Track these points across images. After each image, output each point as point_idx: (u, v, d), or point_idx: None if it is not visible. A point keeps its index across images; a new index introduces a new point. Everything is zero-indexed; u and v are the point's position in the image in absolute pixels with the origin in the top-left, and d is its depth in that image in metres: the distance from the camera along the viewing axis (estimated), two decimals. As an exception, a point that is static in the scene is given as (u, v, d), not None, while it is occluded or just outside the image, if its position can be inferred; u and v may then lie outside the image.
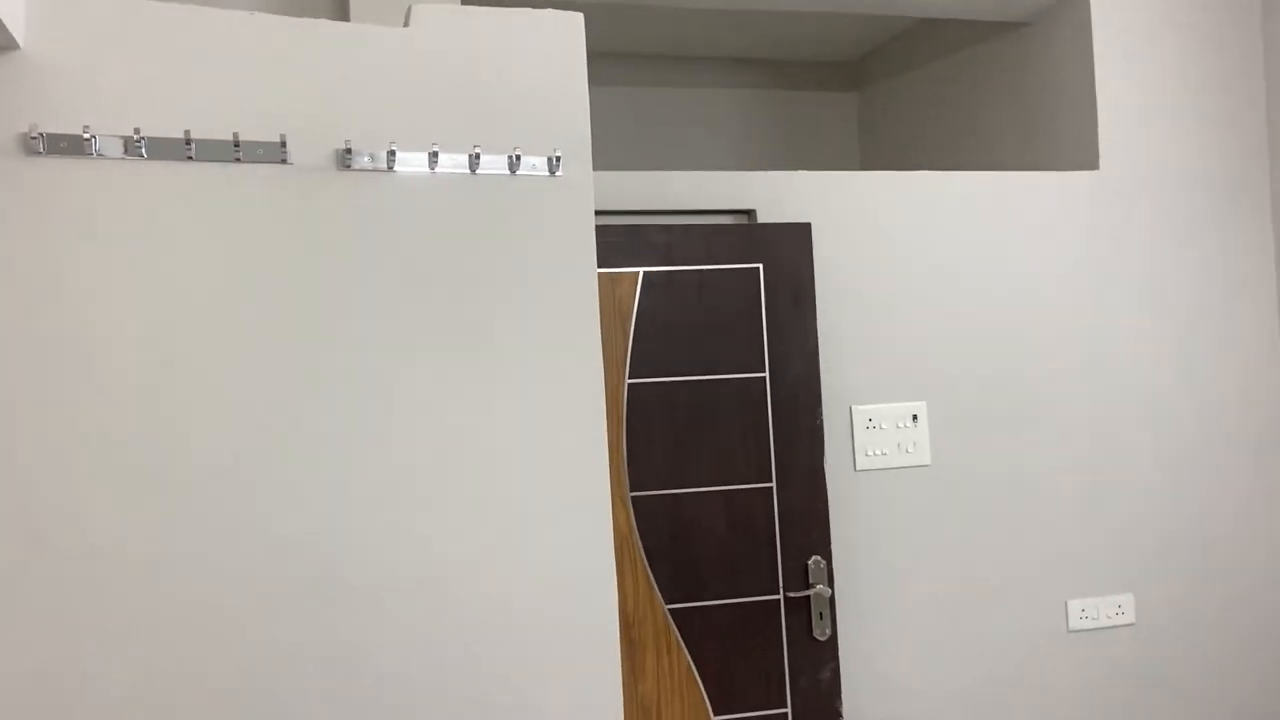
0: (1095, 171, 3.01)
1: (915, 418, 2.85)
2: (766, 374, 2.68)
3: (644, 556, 2.56)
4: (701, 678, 2.56)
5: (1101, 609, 2.92)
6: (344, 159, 1.79)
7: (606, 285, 2.59)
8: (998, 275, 2.93)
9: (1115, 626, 2.93)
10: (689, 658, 2.56)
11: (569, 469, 1.93)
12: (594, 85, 4.06)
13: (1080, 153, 3.05)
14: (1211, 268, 3.09)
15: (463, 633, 1.84)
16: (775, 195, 2.82)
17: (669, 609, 2.56)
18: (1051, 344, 2.95)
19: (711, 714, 2.56)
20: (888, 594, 2.79)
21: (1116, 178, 3.01)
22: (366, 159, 1.81)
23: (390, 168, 1.82)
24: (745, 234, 2.74)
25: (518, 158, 1.89)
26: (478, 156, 1.87)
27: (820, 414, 2.70)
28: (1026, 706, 2.87)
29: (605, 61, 4.06)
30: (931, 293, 2.88)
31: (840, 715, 2.62)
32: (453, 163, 1.87)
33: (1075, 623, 2.90)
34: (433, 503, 1.84)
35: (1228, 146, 3.13)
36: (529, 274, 1.92)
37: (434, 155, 1.83)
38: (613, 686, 1.92)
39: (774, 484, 2.66)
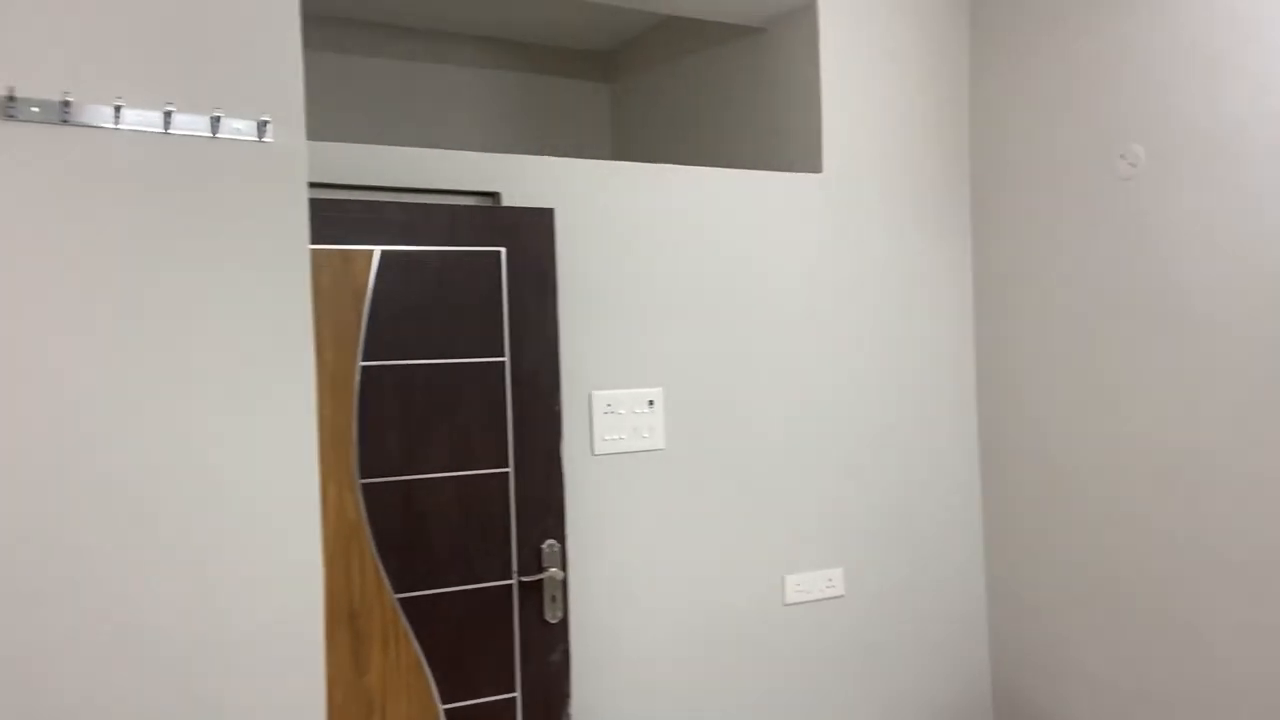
0: (819, 174, 3.21)
1: (651, 403, 2.93)
2: (506, 358, 2.67)
3: (374, 545, 2.48)
4: (431, 667, 2.52)
5: (814, 583, 3.14)
6: (6, 108, 1.59)
7: (338, 263, 2.48)
8: (730, 268, 3.06)
9: (827, 599, 3.16)
10: (418, 647, 2.51)
11: (272, 458, 1.83)
12: (339, 53, 3.88)
13: (807, 155, 3.25)
14: (917, 266, 3.39)
15: (152, 633, 1.70)
16: (520, 179, 2.81)
17: (399, 598, 2.50)
18: (776, 334, 3.13)
19: (439, 703, 2.53)
20: (621, 575, 2.86)
21: (837, 180, 3.24)
22: (35, 109, 1.62)
23: (64, 120, 1.64)
24: (488, 216, 2.70)
25: (218, 119, 1.76)
26: (170, 115, 1.72)
27: (559, 399, 2.72)
28: (749, 678, 3.04)
29: (355, 30, 3.89)
30: (670, 282, 2.98)
31: (569, 695, 2.67)
32: (141, 119, 1.71)
33: (791, 596, 3.10)
34: (118, 492, 1.69)
35: (934, 157, 3.44)
36: (229, 248, 1.80)
37: (118, 109, 1.66)
38: (314, 685, 1.85)
39: (511, 469, 2.65)
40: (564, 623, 2.68)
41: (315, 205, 2.00)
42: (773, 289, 3.13)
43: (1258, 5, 2.64)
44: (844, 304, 3.24)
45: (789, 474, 3.12)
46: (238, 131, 1.79)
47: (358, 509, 2.47)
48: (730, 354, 3.06)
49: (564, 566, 2.69)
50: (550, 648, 2.66)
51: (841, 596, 3.18)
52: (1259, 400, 2.66)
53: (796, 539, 3.13)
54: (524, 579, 2.65)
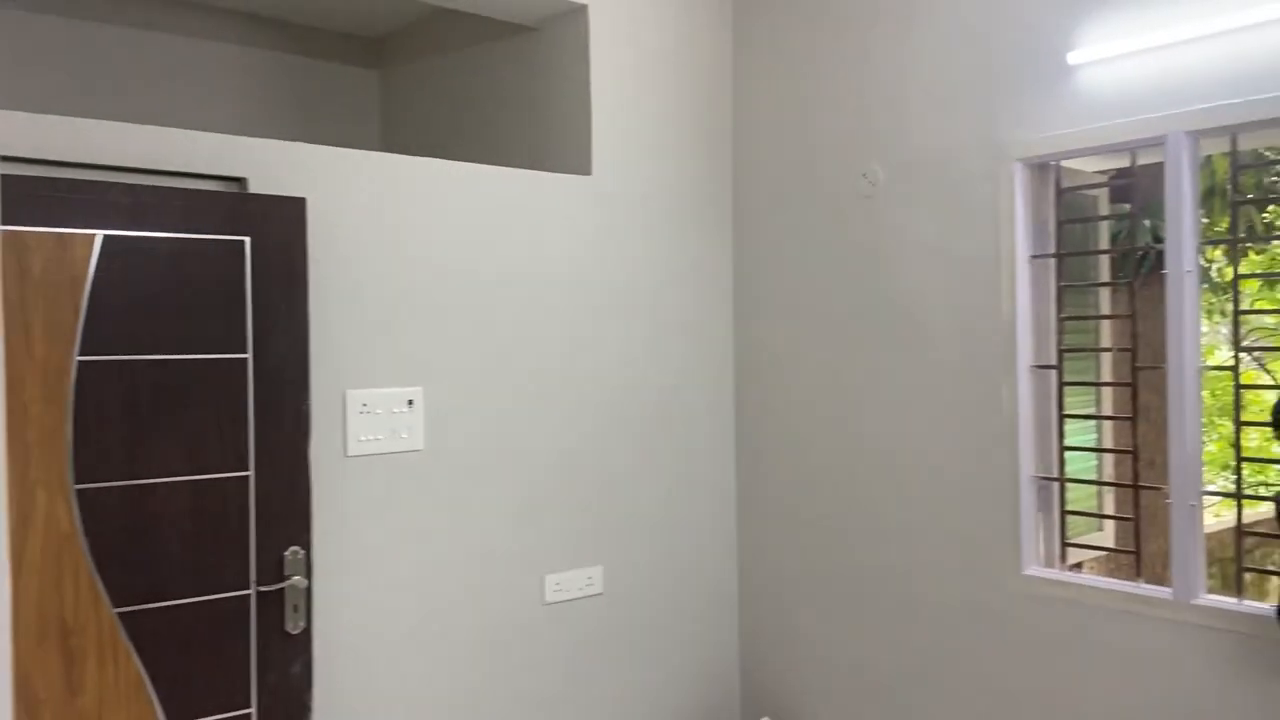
0: (589, 176, 3.24)
1: (411, 403, 2.86)
2: (249, 355, 2.52)
3: (89, 556, 2.28)
4: (155, 685, 2.34)
5: (574, 582, 3.17)
6: None
7: (51, 247, 2.26)
8: (497, 267, 3.04)
9: (586, 597, 3.20)
10: (140, 665, 2.32)
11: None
12: (65, 18, 3.53)
13: (576, 157, 3.27)
14: (681, 271, 3.49)
15: None
16: (271, 165, 2.66)
17: (119, 613, 2.31)
18: (542, 334, 3.13)
19: (162, 723, 2.36)
20: (372, 582, 2.77)
21: (606, 183, 3.28)
22: None
23: None
24: (232, 203, 2.55)
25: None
26: None
27: (308, 398, 2.60)
28: (507, 679, 3.02)
29: (89, -9, 3.56)
30: (433, 280, 2.91)
31: (309, 709, 2.55)
32: None
33: (551, 595, 3.11)
34: None
35: (699, 164, 3.55)
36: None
37: None
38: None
39: (252, 472, 2.51)
40: (307, 633, 2.56)
41: (14, 181, 1.81)
42: (539, 290, 3.13)
43: (986, 40, 2.89)
44: (610, 306, 3.29)
45: (551, 474, 3.13)
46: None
47: (71, 517, 2.26)
48: (494, 354, 3.03)
49: (309, 574, 2.57)
50: (291, 660, 2.54)
51: (600, 594, 3.23)
52: (965, 401, 2.92)
53: (557, 539, 3.14)
54: (263, 588, 2.51)
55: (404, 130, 4.16)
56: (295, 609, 2.54)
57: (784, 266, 3.48)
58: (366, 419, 2.78)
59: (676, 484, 3.45)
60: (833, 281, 3.31)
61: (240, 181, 2.64)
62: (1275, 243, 5.78)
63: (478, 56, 3.78)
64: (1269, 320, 5.48)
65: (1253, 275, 5.67)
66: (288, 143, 2.71)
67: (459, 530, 2.94)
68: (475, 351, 2.99)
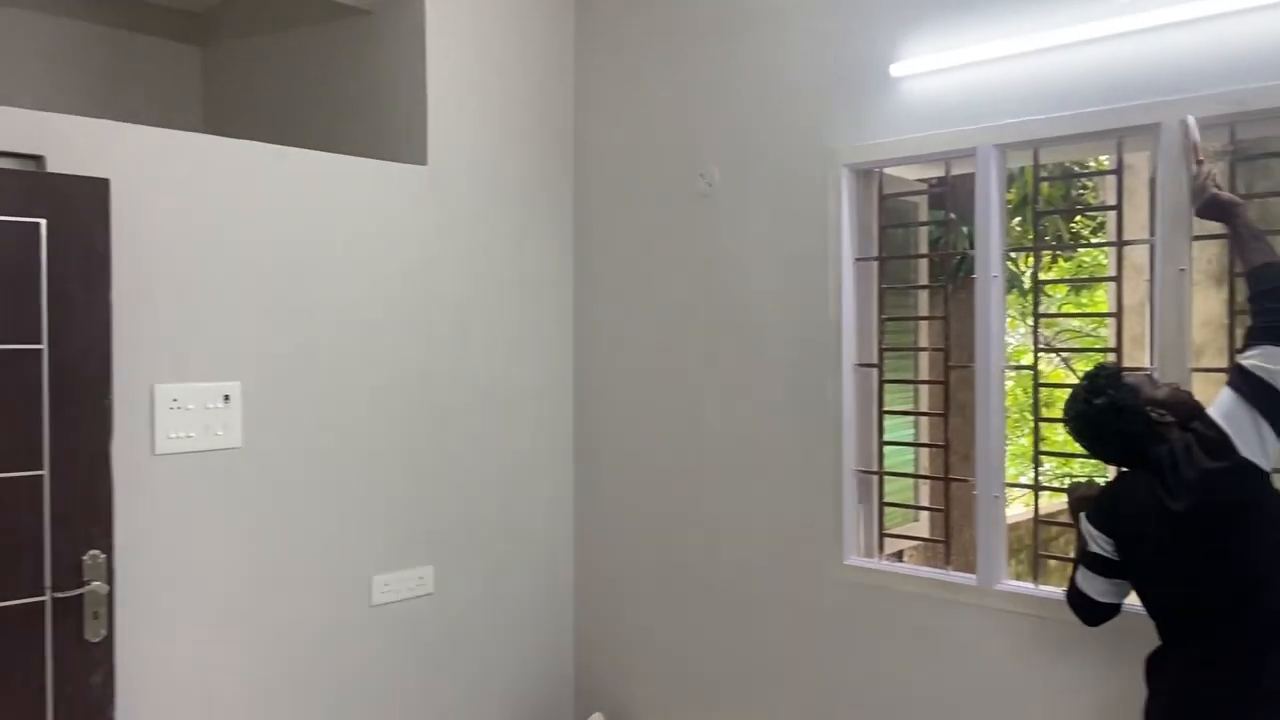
0: (424, 166, 3.17)
1: (227, 398, 2.72)
2: (44, 346, 2.34)
3: None
4: (-72, 704, 2.15)
5: (404, 582, 3.09)
6: None
7: None
8: (322, 258, 2.93)
9: (416, 598, 3.13)
10: (-91, 683, 2.13)
11: None
12: None
13: (411, 146, 3.19)
14: (520, 267, 3.45)
15: None
16: (73, 143, 2.48)
17: (-115, 627, 2.10)
18: (371, 328, 3.03)
19: (-65, 746, 2.16)
20: (183, 585, 2.62)
21: (442, 174, 3.21)
22: None
23: None
24: (27, 182, 2.36)
25: None
26: None
27: (110, 393, 2.43)
28: (331, 683, 2.92)
29: None
30: (253, 270, 2.78)
31: (110, 722, 2.40)
32: None
33: (378, 597, 3.03)
34: None
35: (540, 158, 3.52)
36: None
37: None
38: None
39: (46, 471, 2.33)
40: (108, 641, 2.40)
41: None
42: (369, 282, 3.03)
43: (817, 49, 2.99)
44: (444, 300, 3.22)
45: (378, 473, 3.04)
46: None
47: None
48: (319, 349, 2.92)
49: (110, 579, 2.41)
50: (90, 670, 2.37)
51: (431, 594, 3.16)
52: (794, 397, 3.01)
53: (386, 539, 3.06)
54: (60, 595, 2.34)
55: (229, 112, 3.96)
56: (95, 616, 2.37)
57: (624, 263, 3.50)
58: (178, 415, 2.63)
59: (512, 482, 3.42)
60: (671, 279, 3.35)
61: (38, 159, 2.45)
62: (1081, 251, 6.23)
63: (309, 37, 3.63)
64: (1075, 323, 5.91)
65: (1055, 280, 6.10)
66: (91, 119, 2.54)
67: (279, 531, 2.82)
68: (299, 346, 2.87)
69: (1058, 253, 6.31)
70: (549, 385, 3.56)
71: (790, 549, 3.04)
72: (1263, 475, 1.91)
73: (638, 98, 3.44)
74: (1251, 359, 1.94)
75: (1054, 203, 5.57)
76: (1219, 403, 1.96)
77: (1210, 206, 2.19)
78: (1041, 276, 5.90)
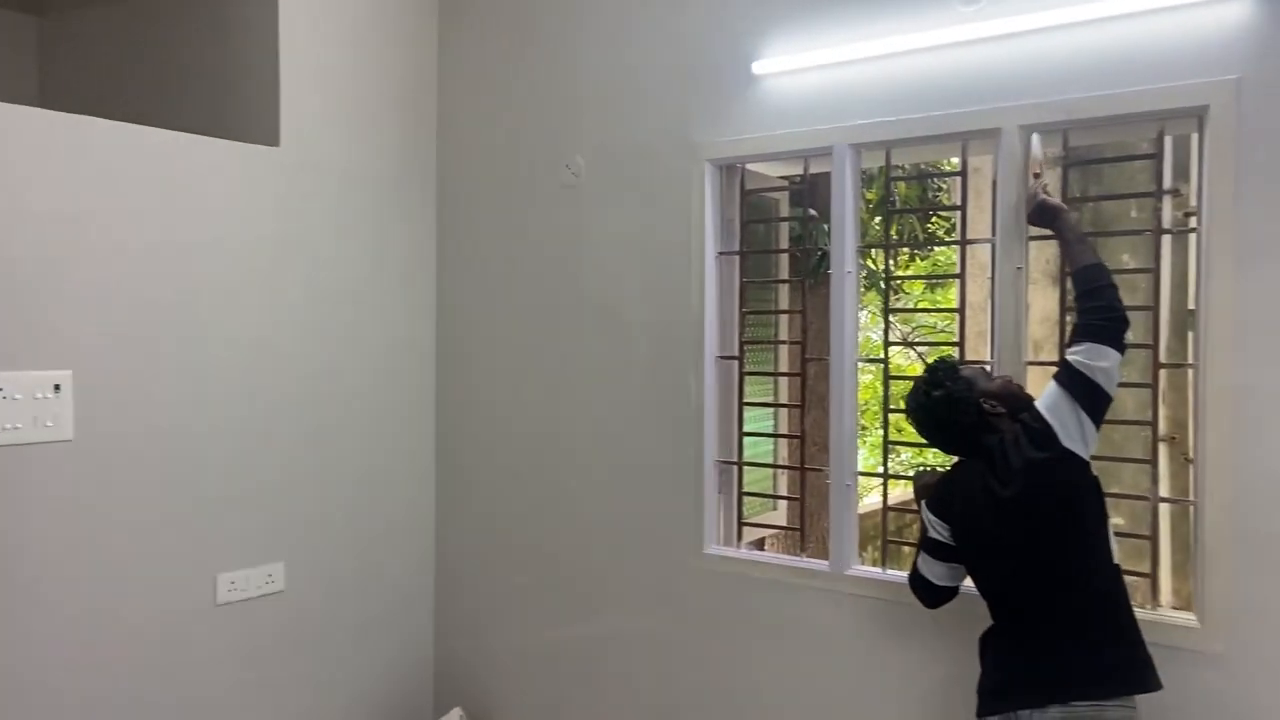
0: (276, 148, 3.05)
1: (58, 388, 2.56)
2: None
3: None
4: None
5: (252, 580, 2.98)
6: None
7: None
8: (165, 241, 2.78)
9: (265, 595, 3.01)
10: None
11: None
12: None
13: (263, 127, 3.07)
14: (380, 255, 3.37)
15: None
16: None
17: None
18: (218, 317, 2.90)
19: None
20: (13, 585, 2.46)
21: (296, 157, 3.09)
22: None
23: None
24: None
25: None
26: None
27: (-79, 381, 2.26)
28: (170, 687, 2.78)
29: None
30: (87, 253, 2.62)
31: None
32: None
33: (224, 595, 2.91)
34: None
35: (401, 144, 3.44)
36: None
37: None
38: None
39: None
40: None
41: None
42: (214, 268, 2.90)
43: (682, 43, 3.01)
44: (298, 289, 3.11)
45: (224, 467, 2.91)
46: None
47: None
48: (161, 337, 2.77)
49: (-80, 582, 2.24)
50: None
51: (282, 592, 3.05)
52: (657, 389, 3.04)
53: (232, 535, 2.93)
54: None
55: (67, 85, 3.72)
56: (-100, 624, 2.20)
57: (488, 253, 3.45)
58: (4, 405, 2.46)
59: (369, 476, 3.33)
60: (536, 270, 3.33)
61: None
62: (938, 250, 6.51)
63: (155, 9, 3.44)
64: (930, 318, 6.18)
65: (906, 277, 6.35)
66: (-99, 85, 2.34)
67: (115, 528, 2.67)
68: (138, 334, 2.72)
69: (915, 251, 6.58)
70: (409, 378, 3.49)
71: (652, 539, 3.07)
72: (1083, 464, 2.03)
73: (504, 86, 3.40)
74: (1075, 355, 2.06)
75: (909, 202, 5.80)
76: (1046, 396, 2.08)
77: (1038, 211, 2.33)
78: (900, 274, 6.18)
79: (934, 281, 6.43)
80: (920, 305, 6.46)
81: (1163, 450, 2.77)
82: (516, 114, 3.37)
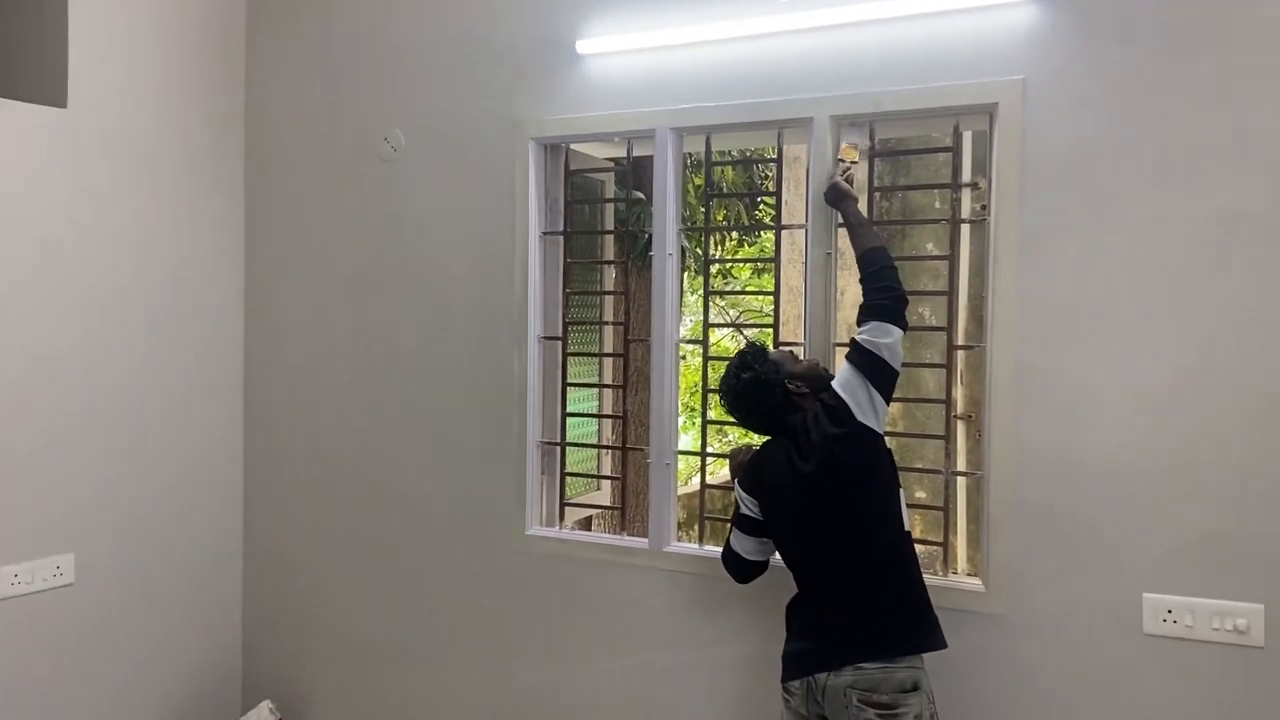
0: (63, 110, 2.82)
1: None
2: None
3: None
4: None
5: (38, 572, 2.77)
6: None
7: None
8: (-68, 205, 2.54)
9: (54, 588, 2.81)
10: None
11: None
12: None
13: (49, 86, 2.83)
14: (181, 230, 3.18)
15: None
16: None
17: None
18: (-3, 289, 2.68)
19: None
20: None
21: (86, 121, 2.87)
22: None
23: None
24: None
25: None
26: None
27: None
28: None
29: None
30: None
31: None
32: None
33: (6, 589, 2.68)
34: None
35: (206, 114, 3.25)
36: None
37: None
38: None
39: None
40: None
41: None
42: (-6, 235, 2.67)
43: (505, 18, 2.96)
44: (90, 262, 2.90)
45: (4, 455, 2.69)
46: None
47: None
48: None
49: None
50: None
51: (72, 584, 2.85)
52: (480, 370, 3.00)
53: (16, 525, 2.72)
54: None
55: None
56: None
57: (302, 228, 3.31)
58: None
59: (169, 459, 3.15)
60: (353, 246, 3.22)
61: None
62: (765, 235, 6.70)
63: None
64: (757, 303, 6.38)
65: (725, 260, 6.52)
66: None
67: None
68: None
69: (743, 236, 6.76)
70: (213, 356, 3.31)
71: (474, 521, 3.04)
72: (876, 437, 2.14)
73: (318, 56, 3.26)
74: (862, 334, 2.17)
75: (736, 188, 5.96)
76: (840, 375, 2.18)
77: (830, 194, 2.44)
78: (723, 258, 6.34)
79: (762, 266, 6.63)
80: (748, 289, 6.64)
81: (961, 428, 2.94)
82: (331, 85, 3.24)
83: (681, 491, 5.44)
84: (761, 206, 6.34)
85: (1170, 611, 2.21)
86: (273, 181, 3.36)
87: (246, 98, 3.38)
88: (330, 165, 3.25)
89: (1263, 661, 2.14)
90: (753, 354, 2.29)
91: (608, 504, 3.25)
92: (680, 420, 3.02)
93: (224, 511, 3.35)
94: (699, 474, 2.86)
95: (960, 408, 2.98)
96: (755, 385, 2.24)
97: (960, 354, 2.75)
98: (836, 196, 2.44)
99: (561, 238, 3.03)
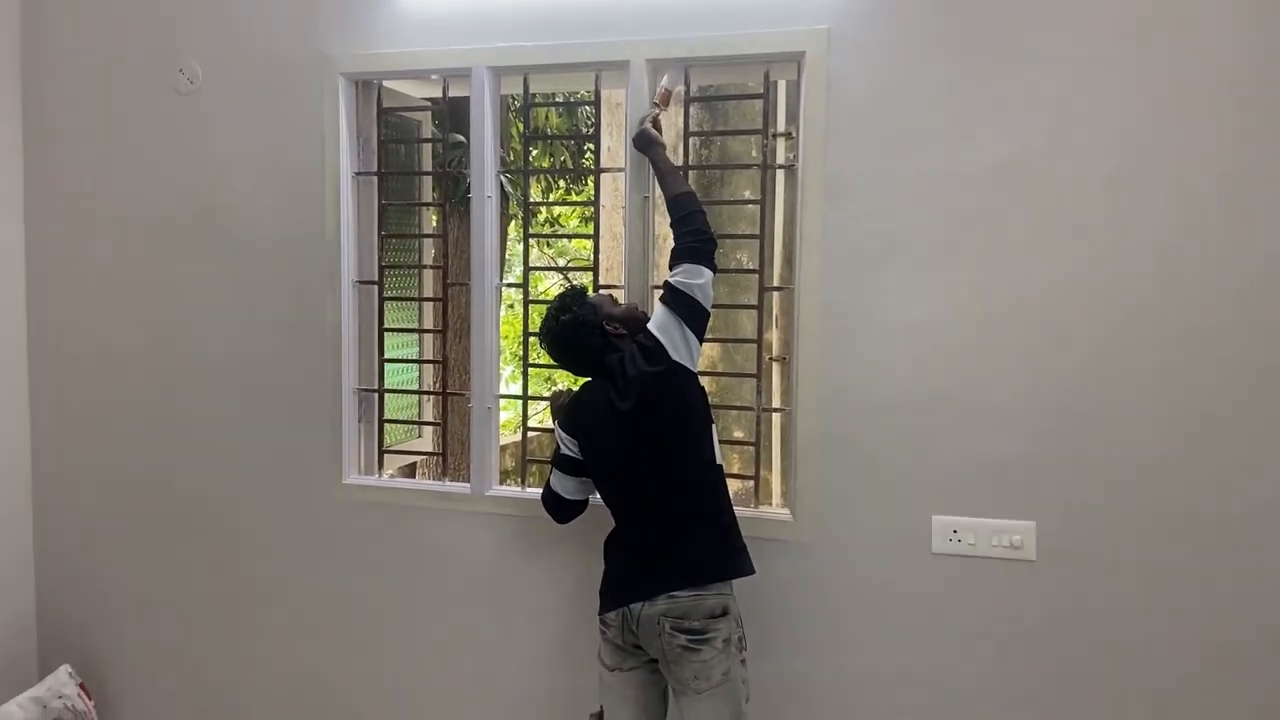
0: None
1: None
2: None
3: None
4: None
5: None
6: None
7: None
8: None
9: None
10: None
11: None
12: None
13: None
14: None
15: None
16: None
17: None
18: None
19: None
20: None
21: None
22: None
23: None
24: None
25: None
26: None
27: None
28: None
29: None
30: None
31: None
32: None
33: None
34: None
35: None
36: None
37: None
38: None
39: None
40: None
41: None
42: None
43: (302, -54, 2.80)
44: None
45: None
46: None
47: None
48: None
49: None
50: None
51: None
52: (290, 316, 2.89)
53: None
54: None
55: None
56: None
57: (91, 168, 3.06)
58: None
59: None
60: (147, 185, 3.00)
61: None
62: (590, 179, 6.71)
63: None
64: (580, 248, 6.40)
65: (541, 203, 6.51)
66: None
67: None
68: None
69: (571, 183, 6.74)
70: (-2, 303, 3.04)
71: (289, 472, 2.93)
72: (690, 375, 2.20)
73: (104, -26, 3.01)
74: (675, 276, 2.22)
75: (561, 130, 5.93)
76: (655, 316, 2.23)
77: (640, 139, 2.47)
78: (540, 200, 6.30)
79: (590, 213, 6.64)
80: (572, 234, 6.65)
81: (776, 369, 3.06)
82: (116, 16, 2.99)
83: (509, 441, 5.45)
84: (589, 152, 6.33)
85: (955, 532, 2.40)
86: (53, 110, 3.09)
87: (22, 19, 3.07)
88: (121, 98, 3.01)
89: (1034, 573, 2.36)
90: (571, 296, 2.30)
91: (429, 450, 3.21)
92: (508, 370, 3.00)
93: (8, 473, 3.10)
94: (529, 421, 2.87)
95: (776, 350, 3.10)
96: (574, 327, 2.25)
97: (775, 297, 2.85)
98: (645, 143, 2.46)
99: (376, 179, 2.93)
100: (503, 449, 3.15)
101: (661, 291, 2.25)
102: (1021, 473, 2.35)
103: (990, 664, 2.40)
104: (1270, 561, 2.23)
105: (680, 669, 2.14)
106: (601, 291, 2.54)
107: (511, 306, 6.64)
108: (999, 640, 2.39)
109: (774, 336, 3.34)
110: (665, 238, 3.19)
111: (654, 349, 2.17)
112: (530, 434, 2.90)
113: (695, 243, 2.22)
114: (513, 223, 6.49)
